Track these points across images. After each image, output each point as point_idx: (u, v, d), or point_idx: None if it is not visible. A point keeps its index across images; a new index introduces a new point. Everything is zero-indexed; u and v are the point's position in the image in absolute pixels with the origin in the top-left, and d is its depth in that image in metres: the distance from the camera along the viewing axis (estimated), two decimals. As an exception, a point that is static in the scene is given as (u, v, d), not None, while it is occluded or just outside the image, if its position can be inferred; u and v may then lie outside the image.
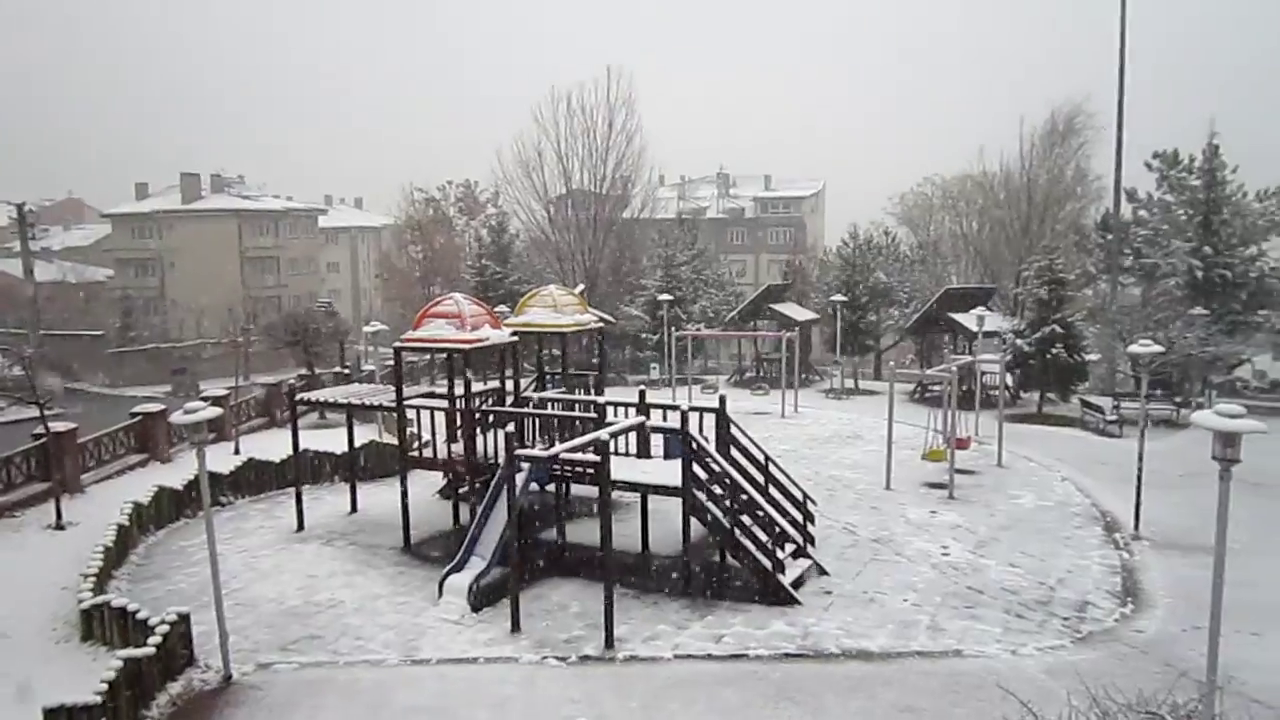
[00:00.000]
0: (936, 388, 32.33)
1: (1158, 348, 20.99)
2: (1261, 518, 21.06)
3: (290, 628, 15.94)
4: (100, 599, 15.38)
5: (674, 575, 17.75)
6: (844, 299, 43.32)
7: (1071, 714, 7.77)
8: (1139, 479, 20.91)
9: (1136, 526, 20.88)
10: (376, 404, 21.72)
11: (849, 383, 43.73)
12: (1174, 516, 21.47)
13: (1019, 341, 35.65)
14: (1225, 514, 10.47)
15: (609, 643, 14.94)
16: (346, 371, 38.96)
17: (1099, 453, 29.33)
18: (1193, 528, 20.22)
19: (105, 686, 12.07)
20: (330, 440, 26.72)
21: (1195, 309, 36.56)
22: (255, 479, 24.63)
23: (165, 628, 13.81)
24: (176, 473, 24.00)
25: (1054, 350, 35.06)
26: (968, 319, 36.79)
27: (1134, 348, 21.04)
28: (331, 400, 22.79)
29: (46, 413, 22.13)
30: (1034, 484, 25.29)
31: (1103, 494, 24.07)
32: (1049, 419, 34.88)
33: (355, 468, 23.87)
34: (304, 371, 38.88)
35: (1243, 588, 16.02)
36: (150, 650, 13.29)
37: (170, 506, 22.01)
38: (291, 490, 22.40)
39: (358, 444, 24.30)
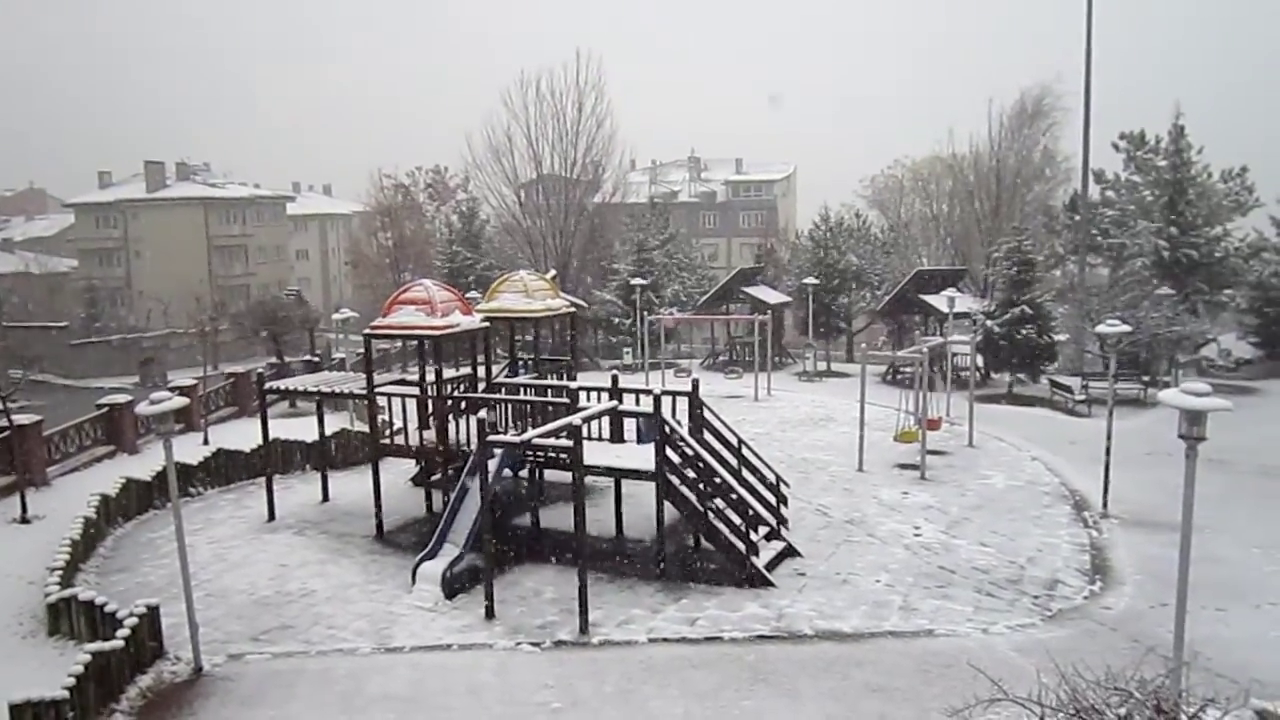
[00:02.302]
0: (908, 369, 32.47)
1: (1125, 328, 21.17)
2: (1227, 495, 21.36)
3: (262, 618, 15.82)
4: (67, 592, 15.18)
5: (648, 559, 17.75)
6: (816, 282, 43.42)
7: (1041, 691, 7.81)
8: (1107, 458, 21.10)
9: (1105, 505, 21.09)
10: (347, 392, 21.57)
11: (821, 365, 43.89)
12: (1141, 494, 21.70)
13: (989, 323, 35.88)
14: (1192, 492, 10.60)
15: (583, 628, 14.94)
16: (316, 360, 38.64)
17: (1068, 432, 29.60)
18: (1160, 505, 20.43)
19: (73, 681, 11.91)
20: (301, 429, 26.49)
21: (1162, 289, 36.92)
22: (224, 469, 24.40)
23: (134, 620, 13.65)
24: (144, 464, 23.73)
25: (1023, 331, 35.33)
26: (938, 300, 36.93)
27: (1102, 328, 21.20)
28: (301, 389, 22.57)
29: (9, 405, 21.78)
30: (1004, 464, 25.48)
31: (1072, 473, 24.29)
32: (1019, 399, 35.15)
33: (326, 456, 23.69)
34: (273, 360, 38.54)
35: (1208, 564, 16.29)
36: (119, 643, 13.13)
37: (138, 498, 21.76)
38: (262, 480, 22.22)
39: (329, 432, 24.11)
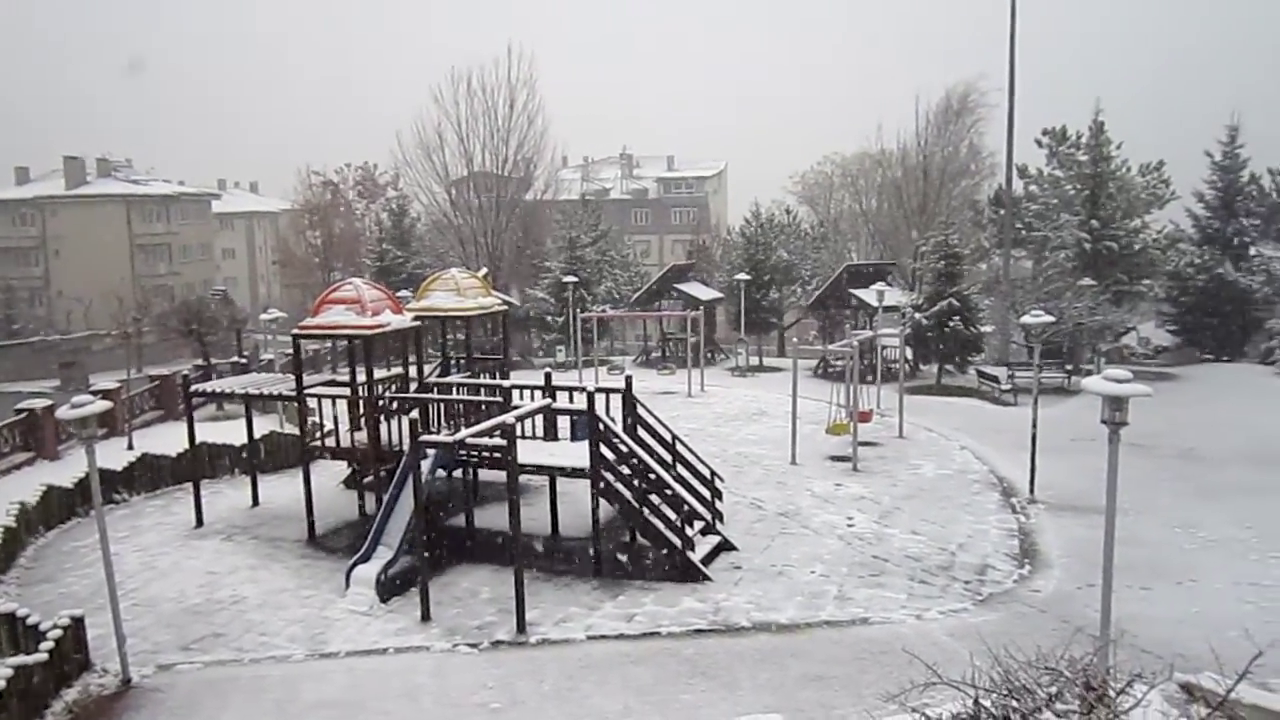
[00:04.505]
0: (839, 363, 32.84)
1: (1049, 318, 21.66)
2: (1148, 478, 22.01)
3: (192, 627, 15.48)
4: (-14, 605, 14.70)
5: (584, 557, 17.72)
6: (747, 278, 43.67)
7: (974, 673, 7.96)
8: (1033, 445, 21.54)
9: (1032, 491, 21.56)
10: (276, 394, 21.16)
11: (753, 360, 44.21)
12: (1067, 480, 22.21)
13: (918, 315, 36.43)
14: (1115, 475, 10.88)
15: (521, 627, 14.86)
16: (244, 361, 37.93)
17: (995, 421, 30.19)
18: (1085, 490, 20.94)
19: (-7, 696, 11.56)
20: (229, 432, 25.96)
21: (1084, 280, 37.85)
22: (150, 475, 23.79)
23: (58, 632, 13.24)
24: (66, 470, 23.07)
25: (951, 323, 35.95)
26: (868, 294, 37.40)
27: (1027, 318, 21.68)
28: (229, 391, 22.15)
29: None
30: (934, 453, 25.92)
31: (999, 461, 24.79)
32: (947, 390, 35.76)
33: (255, 460, 23.23)
34: (200, 362, 37.71)
35: (1132, 545, 16.74)
36: (42, 656, 12.74)
37: (60, 506, 21.14)
38: (189, 485, 21.67)
39: (257, 435, 23.62)
